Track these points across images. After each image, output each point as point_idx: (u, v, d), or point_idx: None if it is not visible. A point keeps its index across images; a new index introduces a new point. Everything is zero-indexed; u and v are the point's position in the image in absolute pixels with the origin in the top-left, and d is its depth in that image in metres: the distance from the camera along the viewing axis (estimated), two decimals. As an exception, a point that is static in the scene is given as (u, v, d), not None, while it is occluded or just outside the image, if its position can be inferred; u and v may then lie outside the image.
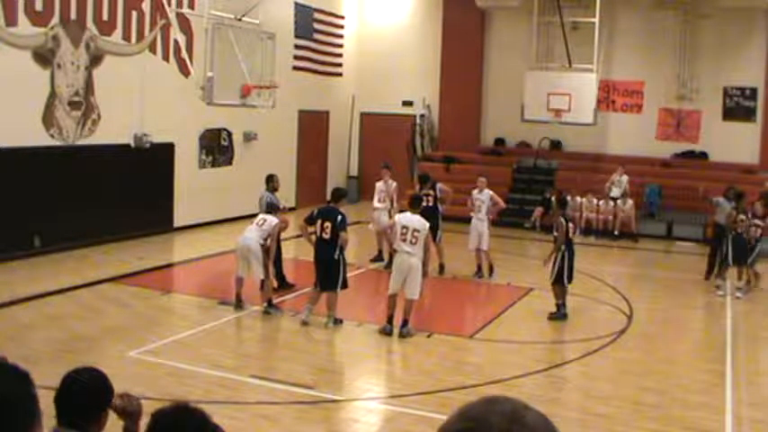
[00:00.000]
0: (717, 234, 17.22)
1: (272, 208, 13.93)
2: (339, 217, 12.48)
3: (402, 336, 12.11)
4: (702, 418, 9.38)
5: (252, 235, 13.27)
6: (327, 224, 12.39)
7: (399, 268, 12.27)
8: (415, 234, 12.16)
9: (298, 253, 16.69)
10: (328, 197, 13.65)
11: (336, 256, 12.43)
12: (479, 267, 16.63)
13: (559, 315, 13.50)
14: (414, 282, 12.21)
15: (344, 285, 12.58)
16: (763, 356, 12.52)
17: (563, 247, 13.43)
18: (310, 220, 12.69)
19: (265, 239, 13.24)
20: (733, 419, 9.40)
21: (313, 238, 12.66)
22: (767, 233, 16.57)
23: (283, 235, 14.02)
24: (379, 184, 17.53)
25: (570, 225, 13.65)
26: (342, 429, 9.18)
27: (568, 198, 22.29)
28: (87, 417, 3.74)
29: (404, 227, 12.25)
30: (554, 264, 13.48)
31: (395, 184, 17.48)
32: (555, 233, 13.67)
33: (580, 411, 9.65)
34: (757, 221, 16.27)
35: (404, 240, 12.19)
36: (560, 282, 13.50)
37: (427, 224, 12.42)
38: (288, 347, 12.06)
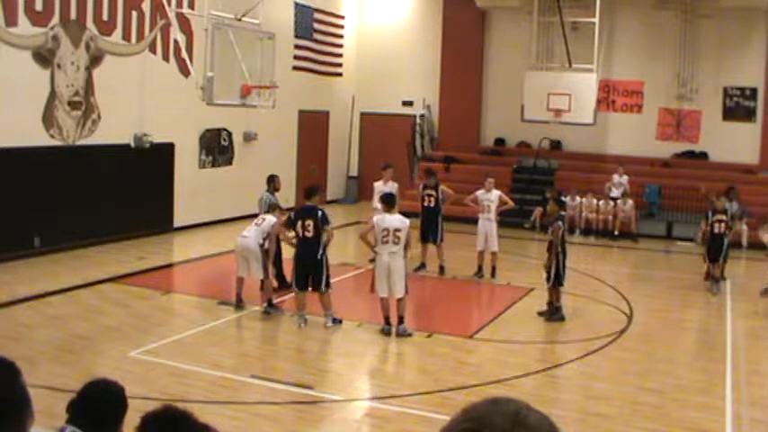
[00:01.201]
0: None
1: (271, 207, 13.93)
2: (320, 213, 12.39)
3: (399, 334, 12.11)
4: (702, 419, 9.38)
5: (251, 234, 13.28)
6: (309, 222, 12.28)
7: (384, 270, 12.21)
8: (397, 234, 12.12)
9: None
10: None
11: (319, 256, 12.31)
12: (480, 268, 16.61)
13: (558, 317, 13.51)
14: (399, 281, 12.19)
15: (327, 285, 12.47)
16: (763, 356, 12.52)
17: (558, 249, 13.45)
18: (290, 224, 12.64)
19: (264, 239, 13.24)
20: (733, 419, 9.40)
21: (294, 241, 12.62)
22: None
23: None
24: (378, 184, 17.45)
25: (565, 228, 13.70)
26: (342, 429, 9.18)
27: (567, 198, 22.43)
28: (99, 427, 3.75)
29: (384, 229, 12.17)
30: (550, 267, 13.50)
31: (396, 184, 17.41)
32: (551, 237, 13.66)
33: (580, 411, 9.65)
34: (721, 216, 16.28)
35: (386, 242, 12.14)
36: (558, 284, 13.52)
37: (407, 221, 12.37)
38: (288, 347, 12.07)
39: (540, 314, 13.70)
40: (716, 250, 16.20)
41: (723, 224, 16.16)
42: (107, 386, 3.91)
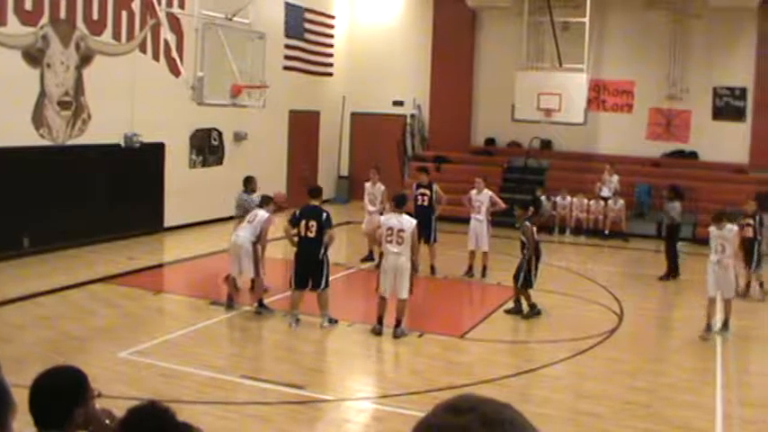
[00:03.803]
0: (669, 234, 17.53)
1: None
2: (324, 215, 12.45)
3: (395, 336, 12.11)
4: (692, 418, 9.41)
5: (244, 233, 13.24)
6: (312, 223, 12.33)
7: (388, 269, 12.22)
8: (401, 234, 12.11)
9: (287, 253, 16.64)
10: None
11: (321, 256, 12.37)
12: (470, 267, 16.65)
13: (535, 312, 13.67)
14: (403, 281, 12.19)
15: (327, 285, 12.53)
16: (753, 355, 12.56)
17: (530, 249, 13.56)
18: (294, 222, 12.65)
19: (257, 237, 13.20)
20: (723, 418, 9.43)
21: (296, 239, 12.63)
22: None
23: (269, 235, 13.88)
24: (368, 185, 17.54)
25: (534, 228, 13.77)
26: (333, 429, 9.17)
27: (558, 198, 22.44)
28: (60, 417, 3.72)
29: (389, 228, 12.21)
30: (521, 267, 13.62)
31: (383, 187, 17.40)
32: (522, 238, 13.75)
33: (570, 411, 9.67)
34: (749, 221, 15.88)
35: (390, 242, 12.16)
36: (528, 286, 13.63)
37: (414, 222, 12.36)
38: (279, 347, 12.04)
39: (508, 312, 13.83)
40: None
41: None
42: (44, 377, 3.86)
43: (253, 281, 13.59)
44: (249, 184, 14.73)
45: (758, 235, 15.72)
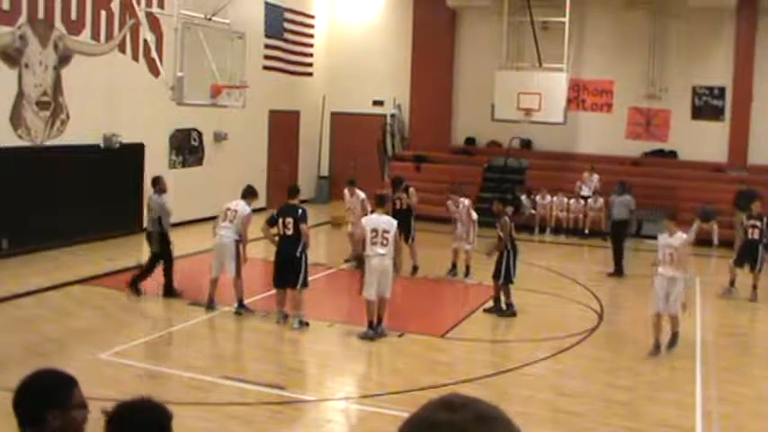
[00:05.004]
0: (614, 231, 17.80)
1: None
2: (300, 211, 12.63)
3: (377, 335, 12.11)
4: (672, 415, 9.46)
5: (226, 233, 13.17)
6: (289, 219, 12.45)
7: (374, 271, 12.18)
8: (385, 235, 12.11)
9: (267, 254, 16.59)
10: (302, 197, 13.53)
11: (299, 254, 12.41)
12: (454, 265, 16.65)
13: (510, 313, 13.71)
14: (387, 282, 12.20)
15: (305, 284, 12.53)
16: (732, 353, 12.62)
17: (508, 246, 13.59)
18: (272, 222, 12.69)
19: (240, 235, 13.16)
20: (703, 415, 9.48)
21: (276, 239, 12.65)
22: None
23: (251, 236, 13.81)
24: (346, 196, 17.51)
25: (512, 224, 13.82)
26: (314, 430, 9.16)
27: (538, 197, 22.48)
28: (33, 417, 3.70)
29: (373, 230, 12.19)
30: (500, 264, 13.67)
31: (363, 195, 17.27)
32: (500, 233, 13.80)
33: (551, 409, 9.70)
34: (755, 222, 15.85)
35: (374, 243, 12.14)
36: (509, 281, 13.68)
37: (395, 222, 12.39)
38: (259, 348, 12.02)
39: (488, 311, 13.88)
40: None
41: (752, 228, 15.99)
42: (28, 379, 3.84)
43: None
44: (158, 184, 14.55)
45: (764, 237, 15.75)
